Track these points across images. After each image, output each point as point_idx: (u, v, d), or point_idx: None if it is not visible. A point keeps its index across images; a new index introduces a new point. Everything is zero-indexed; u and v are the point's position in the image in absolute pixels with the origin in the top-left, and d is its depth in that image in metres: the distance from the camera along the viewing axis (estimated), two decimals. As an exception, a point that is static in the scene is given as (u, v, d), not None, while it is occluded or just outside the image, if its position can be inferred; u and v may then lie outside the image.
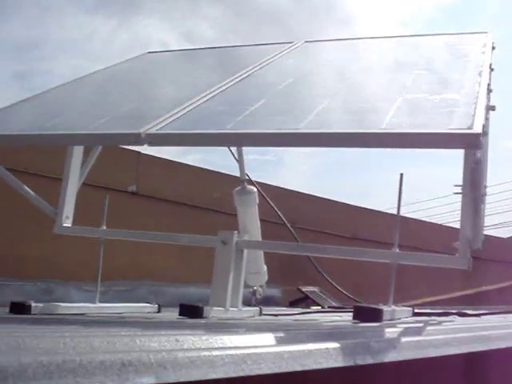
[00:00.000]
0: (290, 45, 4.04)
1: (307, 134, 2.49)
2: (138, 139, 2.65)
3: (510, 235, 11.11)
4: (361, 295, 5.64)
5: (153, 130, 2.66)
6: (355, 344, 1.59)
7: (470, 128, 2.16)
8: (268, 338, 1.55)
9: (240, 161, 3.91)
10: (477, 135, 2.12)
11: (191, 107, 2.94)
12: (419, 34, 4.03)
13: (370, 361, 1.54)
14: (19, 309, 2.95)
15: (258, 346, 1.42)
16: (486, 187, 3.25)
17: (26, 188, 3.65)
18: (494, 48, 3.27)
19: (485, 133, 2.32)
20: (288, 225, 4.36)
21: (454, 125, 2.24)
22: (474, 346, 1.91)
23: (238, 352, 1.28)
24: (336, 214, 7.96)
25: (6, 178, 3.61)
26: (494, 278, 8.63)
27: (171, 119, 2.78)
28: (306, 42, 4.16)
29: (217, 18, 22.15)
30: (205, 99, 3.05)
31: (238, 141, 2.83)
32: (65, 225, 3.68)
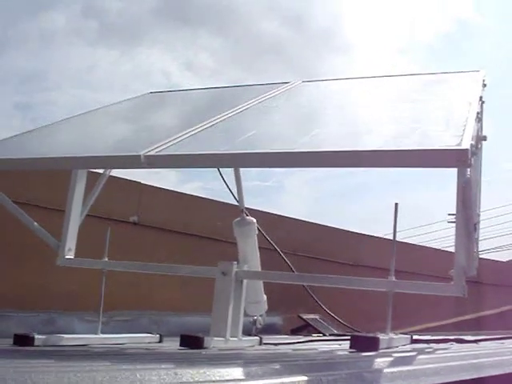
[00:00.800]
0: (287, 85, 4.14)
1: (302, 154, 2.54)
2: (137, 161, 2.72)
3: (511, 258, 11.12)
4: (364, 320, 5.67)
5: (152, 153, 2.74)
6: (349, 374, 1.65)
7: (458, 145, 2.24)
8: (264, 370, 1.61)
9: (238, 188, 3.98)
10: (465, 151, 2.19)
11: (188, 135, 3.03)
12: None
13: (363, 390, 1.60)
14: (22, 341, 3.00)
15: (255, 377, 1.47)
16: (479, 215, 3.31)
17: (31, 220, 3.72)
18: (485, 85, 3.36)
19: (474, 153, 2.38)
20: (281, 254, 4.40)
21: (443, 144, 2.32)
22: (464, 374, 1.96)
23: (235, 384, 1.34)
24: (337, 241, 7.99)
25: (12, 210, 3.68)
26: (494, 302, 8.64)
27: (169, 144, 2.87)
28: (304, 81, 4.25)
29: (217, 48, 22.37)
30: (201, 129, 3.13)
31: (234, 161, 2.86)
32: (67, 257, 3.74)
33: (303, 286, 4.12)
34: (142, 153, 2.73)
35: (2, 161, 3.25)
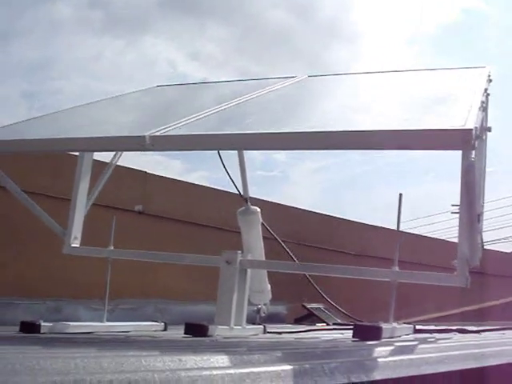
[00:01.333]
0: (293, 79, 4.14)
1: (308, 134, 2.55)
2: (142, 142, 2.74)
3: (515, 249, 11.13)
4: (367, 310, 5.70)
5: (157, 134, 2.76)
6: (351, 362, 1.67)
7: (462, 126, 2.25)
8: (267, 357, 1.64)
9: (243, 177, 3.97)
10: (469, 131, 2.20)
11: (193, 119, 3.05)
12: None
13: (364, 379, 1.62)
14: (29, 328, 3.03)
15: (257, 365, 1.50)
16: (483, 206, 3.32)
17: (38, 208, 3.75)
18: (490, 80, 3.36)
19: (478, 136, 2.38)
20: (281, 242, 4.39)
21: (448, 125, 2.33)
22: (466, 363, 1.98)
23: (238, 371, 1.37)
24: (342, 231, 8.02)
25: (20, 197, 3.70)
26: (498, 293, 8.66)
27: (174, 127, 2.88)
28: (309, 76, 4.25)
29: (224, 38, 22.32)
30: (205, 115, 3.15)
31: (239, 142, 2.85)
32: (73, 245, 3.77)
33: (305, 275, 4.12)
34: (146, 134, 2.74)
35: (8, 142, 3.27)
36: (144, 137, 2.73)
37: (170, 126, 2.88)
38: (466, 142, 2.23)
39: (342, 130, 2.53)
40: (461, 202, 2.94)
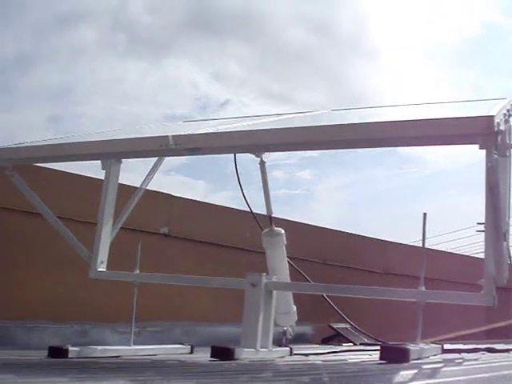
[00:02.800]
0: (316, 111, 4.15)
1: (331, 127, 2.58)
2: (165, 142, 2.75)
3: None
4: (393, 328, 5.65)
5: (180, 133, 2.78)
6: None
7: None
8: (294, 383, 1.63)
9: (266, 194, 3.91)
10: (491, 118, 2.18)
11: (211, 130, 3.09)
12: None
13: (392, 404, 1.61)
14: (57, 353, 3.06)
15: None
16: (508, 224, 3.29)
17: (68, 231, 3.79)
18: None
19: (500, 132, 2.32)
20: (292, 263, 4.31)
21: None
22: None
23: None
24: (366, 249, 7.96)
25: (52, 221, 3.76)
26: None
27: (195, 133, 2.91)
28: (332, 110, 4.27)
29: (245, 57, 22.46)
30: (223, 130, 3.17)
31: (257, 137, 2.84)
32: (99, 269, 3.79)
33: (323, 296, 4.07)
34: (170, 134, 2.76)
35: (25, 149, 3.32)
36: (167, 137, 2.75)
37: (191, 131, 2.90)
38: (488, 130, 2.20)
39: (357, 122, 2.55)
40: (486, 219, 2.92)
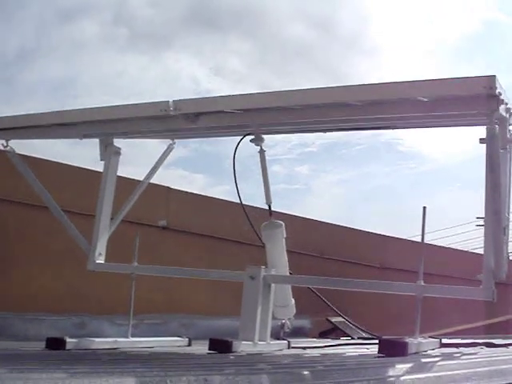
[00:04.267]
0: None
1: (337, 88, 2.63)
2: (166, 107, 2.73)
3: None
4: (391, 322, 5.65)
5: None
6: (378, 381, 1.66)
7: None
8: (293, 376, 1.63)
9: (265, 181, 3.87)
10: (492, 77, 2.20)
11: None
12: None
13: (390, 397, 1.61)
14: (55, 344, 3.05)
15: (282, 384, 1.49)
16: (508, 218, 3.28)
17: (70, 223, 3.78)
18: None
19: (503, 102, 2.35)
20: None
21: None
22: (494, 379, 1.95)
23: (263, 391, 1.36)
24: (364, 243, 7.97)
25: (56, 214, 3.74)
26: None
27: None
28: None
29: (246, 52, 22.41)
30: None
31: (262, 100, 2.85)
32: (98, 261, 3.78)
33: (309, 288, 4.02)
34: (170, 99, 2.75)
35: (19, 117, 3.28)
36: (167, 102, 2.73)
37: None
38: (489, 90, 2.21)
39: (362, 84, 2.55)
40: (485, 214, 2.92)
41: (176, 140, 4.22)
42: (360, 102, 2.68)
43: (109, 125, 3.38)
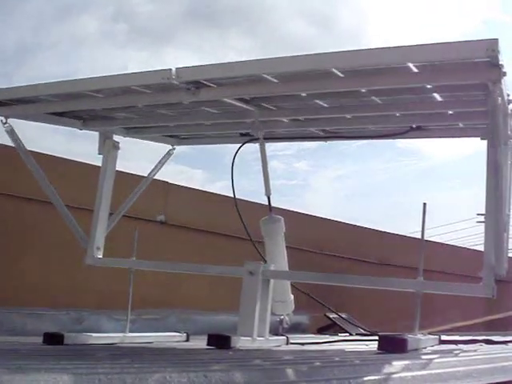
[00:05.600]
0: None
1: (334, 54, 2.53)
2: (168, 75, 2.70)
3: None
4: (391, 318, 5.65)
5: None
6: (378, 377, 1.65)
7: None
8: (292, 372, 1.61)
9: (265, 175, 3.83)
10: (495, 41, 2.16)
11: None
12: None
13: (391, 394, 1.60)
14: (52, 339, 3.03)
15: (282, 381, 1.48)
16: (508, 216, 3.27)
17: (71, 218, 3.75)
18: None
19: (505, 74, 2.32)
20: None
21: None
22: (494, 377, 1.94)
23: (263, 387, 1.35)
24: (365, 239, 7.97)
25: (59, 208, 3.72)
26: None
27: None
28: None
29: (245, 49, 22.39)
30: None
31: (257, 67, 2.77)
32: (96, 256, 3.77)
33: (292, 285, 3.98)
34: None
35: (18, 89, 3.23)
36: (170, 70, 2.71)
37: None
38: (492, 52, 2.17)
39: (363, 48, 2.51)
40: (486, 210, 2.90)
41: (175, 146, 4.27)
42: (348, 70, 2.62)
43: (112, 99, 3.28)
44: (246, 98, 3.20)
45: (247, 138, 3.99)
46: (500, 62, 2.25)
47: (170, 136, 4.26)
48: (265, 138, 3.71)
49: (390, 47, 2.43)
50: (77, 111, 3.64)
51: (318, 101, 3.20)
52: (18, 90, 3.29)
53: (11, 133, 3.58)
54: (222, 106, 3.38)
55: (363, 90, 2.97)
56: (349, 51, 2.54)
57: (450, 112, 3.28)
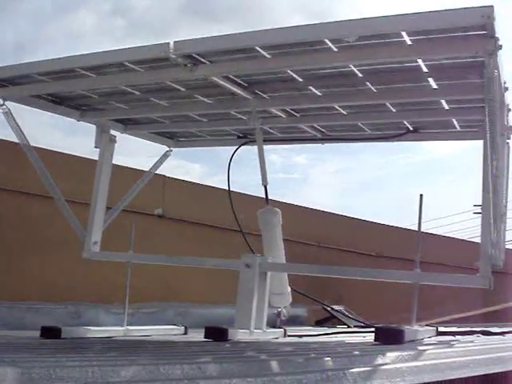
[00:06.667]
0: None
1: (330, 24, 2.50)
2: (166, 49, 2.69)
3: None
4: (389, 310, 5.65)
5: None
6: (374, 368, 1.64)
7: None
8: (289, 364, 1.61)
9: (262, 164, 3.79)
10: (490, 8, 2.14)
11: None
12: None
13: (387, 384, 1.59)
14: (49, 333, 3.03)
15: (278, 373, 1.47)
16: (506, 207, 3.27)
17: (70, 212, 3.74)
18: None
19: (498, 42, 2.30)
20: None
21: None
22: (491, 367, 1.94)
23: (259, 380, 1.34)
24: (362, 232, 7.97)
25: (59, 203, 3.71)
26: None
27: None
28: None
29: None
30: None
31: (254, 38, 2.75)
32: (93, 250, 3.77)
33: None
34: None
35: (16, 66, 3.20)
36: (168, 43, 2.69)
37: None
38: (487, 19, 2.16)
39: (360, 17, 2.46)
40: (483, 201, 2.89)
41: (172, 148, 4.28)
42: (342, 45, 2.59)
43: (106, 78, 3.20)
44: (243, 84, 3.20)
45: (244, 140, 4.02)
46: (496, 34, 2.24)
47: (168, 137, 4.28)
48: (264, 140, 3.71)
49: (383, 16, 2.38)
50: (74, 99, 3.62)
51: (312, 88, 3.18)
52: (11, 68, 3.24)
53: (8, 115, 3.53)
54: (218, 95, 3.37)
55: (360, 75, 2.96)
56: (341, 21, 2.50)
57: (446, 107, 3.28)
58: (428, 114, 3.43)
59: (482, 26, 2.25)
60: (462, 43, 2.41)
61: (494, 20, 2.17)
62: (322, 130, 3.95)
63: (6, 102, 3.49)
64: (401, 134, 3.75)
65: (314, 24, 2.53)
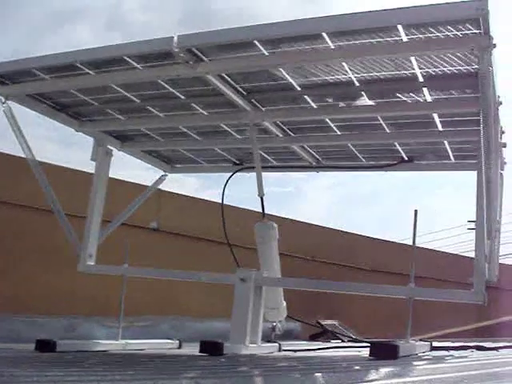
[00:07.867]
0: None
1: (322, 19, 2.53)
2: (169, 43, 2.69)
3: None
4: (383, 324, 5.66)
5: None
6: (369, 383, 1.65)
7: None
8: (285, 380, 1.62)
9: (258, 175, 3.78)
10: (484, 1, 2.17)
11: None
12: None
13: (382, 400, 1.60)
14: (44, 346, 3.02)
15: (274, 387, 1.48)
16: (499, 222, 3.29)
17: (69, 225, 3.74)
18: None
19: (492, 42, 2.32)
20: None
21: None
22: (485, 383, 1.94)
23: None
24: (357, 246, 7.99)
25: (57, 215, 3.70)
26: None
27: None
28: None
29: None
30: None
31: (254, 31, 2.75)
32: (88, 263, 3.77)
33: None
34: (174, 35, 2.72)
35: (22, 61, 3.18)
36: (172, 37, 2.70)
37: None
38: (481, 11, 2.17)
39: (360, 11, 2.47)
40: (477, 217, 2.91)
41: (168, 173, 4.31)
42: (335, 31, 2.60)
43: (107, 75, 3.17)
44: (243, 92, 3.24)
45: (239, 166, 4.06)
46: (490, 31, 2.26)
47: (165, 162, 4.32)
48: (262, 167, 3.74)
49: (378, 10, 2.41)
50: (74, 106, 3.63)
51: (307, 97, 3.22)
52: (10, 63, 3.23)
53: (9, 112, 3.49)
54: (216, 105, 3.40)
55: (356, 84, 3.00)
56: (338, 15, 2.52)
57: (440, 129, 3.33)
58: (421, 134, 3.48)
59: (476, 20, 2.29)
60: (456, 39, 2.44)
61: (487, 13, 2.20)
62: (318, 157, 4.00)
63: (9, 102, 3.47)
64: (395, 164, 3.82)
65: (310, 18, 2.58)
